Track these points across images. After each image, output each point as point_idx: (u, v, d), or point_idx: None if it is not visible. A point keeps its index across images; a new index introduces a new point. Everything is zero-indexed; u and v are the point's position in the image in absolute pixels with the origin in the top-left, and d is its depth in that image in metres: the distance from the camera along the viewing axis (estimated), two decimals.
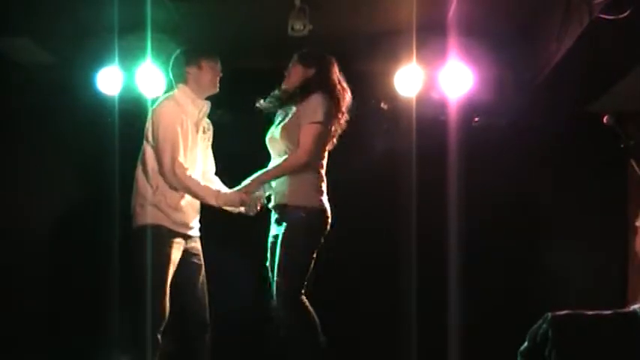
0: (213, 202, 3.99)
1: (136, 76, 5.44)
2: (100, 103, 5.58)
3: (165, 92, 5.22)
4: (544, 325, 3.67)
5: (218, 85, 4.12)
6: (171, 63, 4.15)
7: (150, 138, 3.99)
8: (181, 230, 4.01)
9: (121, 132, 5.52)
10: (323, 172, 4.13)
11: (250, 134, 4.56)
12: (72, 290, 5.75)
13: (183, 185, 3.93)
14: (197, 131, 4.08)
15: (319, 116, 3.97)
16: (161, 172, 3.92)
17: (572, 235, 5.83)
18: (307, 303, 4.02)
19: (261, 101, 4.22)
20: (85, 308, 5.70)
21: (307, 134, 3.96)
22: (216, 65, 4.10)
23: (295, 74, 4.14)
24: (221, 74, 4.12)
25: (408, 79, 5.41)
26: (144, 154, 4.03)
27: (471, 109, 5.69)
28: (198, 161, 4.12)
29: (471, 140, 5.66)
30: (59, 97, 5.67)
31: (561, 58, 4.69)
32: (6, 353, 5.11)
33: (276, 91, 4.18)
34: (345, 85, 4.18)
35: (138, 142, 4.14)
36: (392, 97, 5.69)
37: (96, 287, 5.59)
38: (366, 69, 5.78)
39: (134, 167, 4.11)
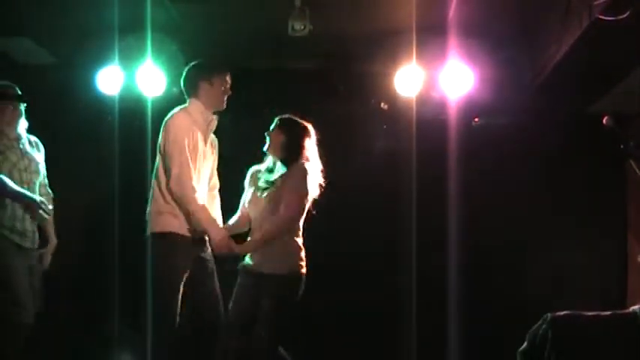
0: (213, 236, 4.00)
1: (136, 76, 5.44)
2: (100, 102, 5.59)
3: (166, 93, 5.27)
4: (544, 326, 3.67)
5: (225, 102, 4.14)
6: (184, 74, 4.14)
7: (162, 150, 4.00)
8: (195, 236, 4.03)
9: (120, 131, 5.54)
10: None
11: (250, 134, 4.58)
12: (70, 290, 5.74)
13: (188, 202, 3.91)
14: (205, 144, 4.09)
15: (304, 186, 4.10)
16: (169, 184, 3.93)
17: (572, 235, 5.83)
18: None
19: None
20: (84, 309, 5.71)
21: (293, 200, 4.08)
22: (227, 82, 4.12)
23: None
24: (230, 92, 4.14)
25: (408, 79, 5.42)
26: (158, 166, 4.04)
27: (470, 109, 5.69)
28: (207, 175, 4.14)
29: (470, 140, 5.67)
30: (60, 96, 5.67)
31: (561, 59, 4.69)
32: None
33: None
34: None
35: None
36: (392, 97, 5.69)
37: (96, 288, 5.61)
38: (367, 69, 5.79)
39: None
